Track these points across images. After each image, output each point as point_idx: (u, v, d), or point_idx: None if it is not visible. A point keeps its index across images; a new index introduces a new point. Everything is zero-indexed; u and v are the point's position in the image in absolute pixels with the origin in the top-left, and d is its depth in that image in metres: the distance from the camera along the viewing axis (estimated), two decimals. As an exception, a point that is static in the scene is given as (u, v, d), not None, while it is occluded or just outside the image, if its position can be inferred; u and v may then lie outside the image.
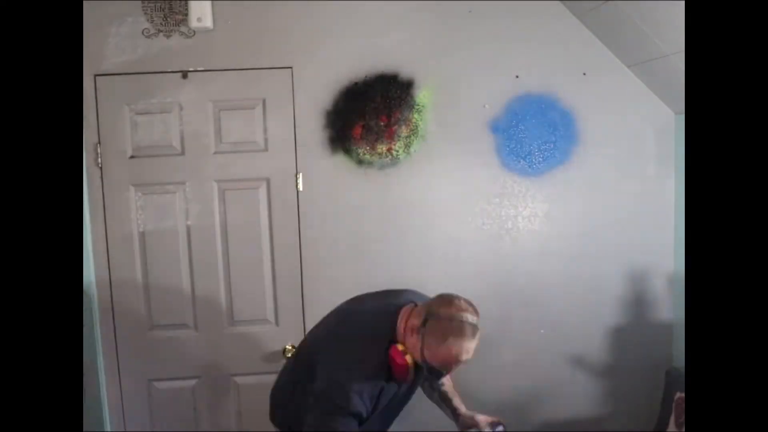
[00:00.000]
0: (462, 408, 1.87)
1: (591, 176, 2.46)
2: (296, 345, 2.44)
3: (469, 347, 1.52)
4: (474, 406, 2.49)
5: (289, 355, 2.43)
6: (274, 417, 1.88)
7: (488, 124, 2.43)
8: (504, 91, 2.42)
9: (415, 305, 1.65)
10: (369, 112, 2.39)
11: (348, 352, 1.60)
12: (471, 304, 1.58)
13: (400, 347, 1.57)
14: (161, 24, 2.33)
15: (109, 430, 2.46)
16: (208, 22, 2.29)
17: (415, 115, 2.40)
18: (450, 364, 1.55)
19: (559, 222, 2.48)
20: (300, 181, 2.40)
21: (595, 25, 2.36)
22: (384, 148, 2.41)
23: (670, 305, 2.52)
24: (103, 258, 2.40)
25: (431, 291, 2.37)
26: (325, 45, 2.36)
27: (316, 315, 2.45)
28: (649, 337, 2.53)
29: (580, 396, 2.56)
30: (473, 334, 1.53)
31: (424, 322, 1.53)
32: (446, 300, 1.58)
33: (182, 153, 2.39)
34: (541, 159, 2.45)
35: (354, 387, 1.54)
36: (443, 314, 1.53)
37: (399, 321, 1.62)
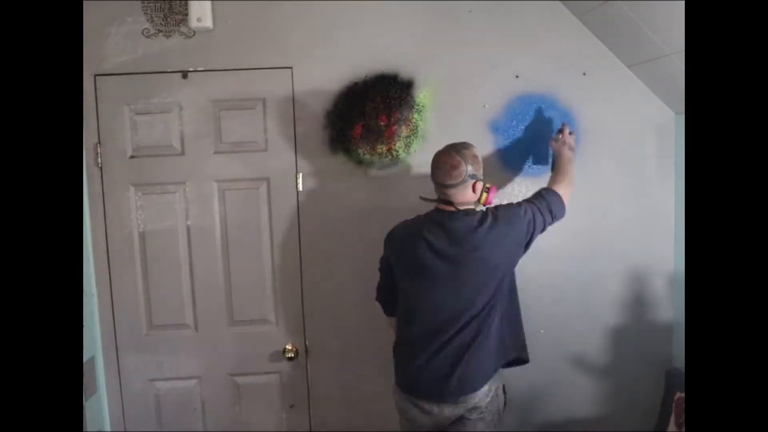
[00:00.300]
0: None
1: (591, 176, 2.46)
2: (296, 345, 2.45)
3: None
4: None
5: (291, 355, 2.43)
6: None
7: (488, 124, 2.43)
8: (504, 91, 2.42)
9: (448, 203, 1.95)
10: (369, 112, 2.39)
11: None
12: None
13: (483, 197, 1.97)
14: (161, 24, 2.33)
15: (109, 430, 2.47)
16: (208, 22, 2.29)
17: (415, 115, 2.40)
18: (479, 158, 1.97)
19: (558, 222, 2.47)
20: (300, 181, 2.40)
21: (595, 25, 2.36)
22: (384, 148, 2.41)
23: (670, 305, 2.53)
24: (103, 258, 2.40)
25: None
26: (325, 45, 2.36)
27: (316, 315, 2.46)
28: (649, 337, 2.53)
29: (580, 396, 2.56)
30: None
31: (474, 177, 1.93)
32: (446, 172, 1.91)
33: (182, 153, 2.39)
34: (540, 159, 2.45)
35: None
36: (463, 168, 1.91)
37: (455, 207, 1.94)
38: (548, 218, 1.99)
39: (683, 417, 2.25)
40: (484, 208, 1.97)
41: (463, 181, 1.89)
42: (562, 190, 2.06)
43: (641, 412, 2.53)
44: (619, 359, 2.55)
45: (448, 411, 1.93)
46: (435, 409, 1.94)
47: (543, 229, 2.00)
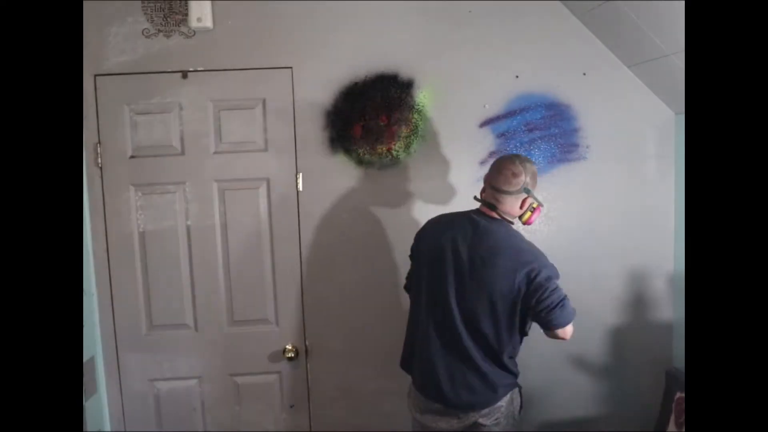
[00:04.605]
0: None
1: (591, 176, 2.46)
2: (296, 345, 2.45)
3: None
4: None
5: (291, 355, 2.44)
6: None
7: (488, 124, 2.43)
8: (504, 91, 2.42)
9: (490, 207, 1.92)
10: (369, 112, 2.39)
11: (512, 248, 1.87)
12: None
13: (527, 215, 1.95)
14: (161, 24, 2.33)
15: (109, 430, 2.47)
16: (208, 22, 2.29)
17: (415, 115, 2.40)
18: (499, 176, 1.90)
19: (559, 222, 2.48)
20: (300, 181, 2.40)
21: (595, 25, 2.36)
22: (384, 148, 2.41)
23: (670, 305, 2.53)
24: (103, 258, 2.40)
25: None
26: (325, 45, 2.36)
27: (316, 315, 2.46)
28: (649, 337, 2.53)
29: (580, 396, 2.56)
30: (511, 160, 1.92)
31: (527, 191, 1.90)
32: (501, 175, 1.90)
33: (182, 153, 2.39)
34: (540, 159, 2.46)
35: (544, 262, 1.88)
36: (520, 178, 1.88)
37: (496, 215, 1.91)
38: (548, 310, 1.81)
39: (683, 417, 2.24)
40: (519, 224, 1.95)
41: (518, 192, 1.88)
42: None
43: (641, 412, 2.53)
44: (619, 359, 2.55)
45: (457, 423, 1.93)
46: (442, 419, 1.94)
47: (539, 312, 1.82)
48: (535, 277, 1.80)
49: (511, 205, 1.91)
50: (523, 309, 1.84)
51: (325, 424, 2.51)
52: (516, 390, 1.99)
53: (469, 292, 1.86)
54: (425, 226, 2.06)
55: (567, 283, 2.48)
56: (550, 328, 1.85)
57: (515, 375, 1.97)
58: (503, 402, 1.93)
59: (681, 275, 2.44)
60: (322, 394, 2.50)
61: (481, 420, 1.91)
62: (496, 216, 1.91)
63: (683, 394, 2.28)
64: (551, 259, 2.46)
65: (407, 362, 2.06)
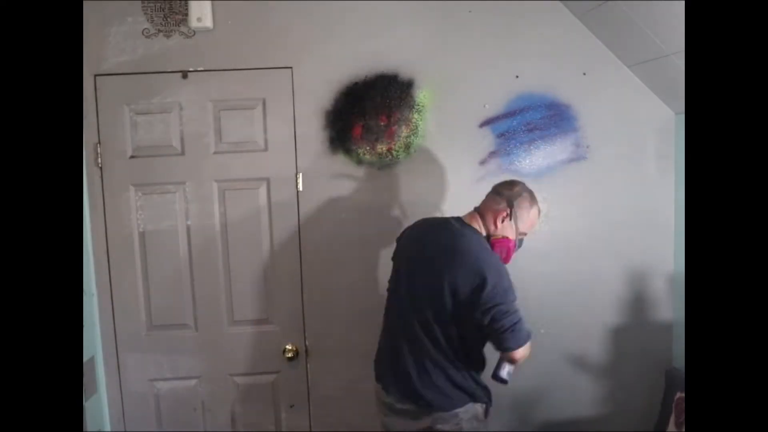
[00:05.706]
0: None
1: (591, 176, 2.46)
2: (296, 345, 2.45)
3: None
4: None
5: (291, 355, 2.44)
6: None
7: (488, 124, 2.43)
8: (504, 91, 2.42)
9: (475, 209, 1.95)
10: (369, 112, 2.39)
11: (481, 261, 1.79)
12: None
13: (499, 236, 1.89)
14: (161, 24, 2.33)
15: (109, 430, 2.47)
16: (208, 22, 2.29)
17: (415, 115, 2.40)
18: (534, 223, 1.96)
19: (559, 222, 2.48)
20: (300, 181, 2.40)
21: (595, 25, 2.36)
22: (384, 148, 2.41)
23: (670, 305, 2.53)
24: (103, 258, 2.40)
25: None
26: (325, 45, 2.36)
27: (316, 315, 2.46)
28: (649, 337, 2.53)
29: (580, 396, 2.56)
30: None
31: (510, 204, 1.87)
32: (507, 183, 1.95)
33: (182, 153, 2.39)
34: (540, 159, 2.46)
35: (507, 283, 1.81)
36: (517, 191, 1.90)
37: (475, 224, 1.91)
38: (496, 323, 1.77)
39: (683, 417, 2.25)
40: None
41: (491, 197, 1.92)
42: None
43: (641, 412, 2.53)
44: (619, 359, 2.55)
45: (414, 425, 1.88)
46: (399, 420, 1.92)
47: (492, 332, 1.78)
48: (482, 289, 1.73)
49: (484, 205, 1.94)
50: (468, 320, 1.78)
51: (325, 424, 2.51)
52: (477, 404, 1.90)
53: (426, 291, 1.84)
54: (404, 231, 2.06)
55: (568, 283, 2.50)
56: (501, 349, 1.81)
57: (474, 390, 1.89)
58: (460, 410, 1.85)
59: (681, 275, 2.44)
60: (322, 394, 2.50)
61: (439, 426, 1.84)
62: (476, 227, 1.90)
63: (683, 394, 2.28)
64: (552, 259, 2.48)
65: (379, 365, 2.04)
